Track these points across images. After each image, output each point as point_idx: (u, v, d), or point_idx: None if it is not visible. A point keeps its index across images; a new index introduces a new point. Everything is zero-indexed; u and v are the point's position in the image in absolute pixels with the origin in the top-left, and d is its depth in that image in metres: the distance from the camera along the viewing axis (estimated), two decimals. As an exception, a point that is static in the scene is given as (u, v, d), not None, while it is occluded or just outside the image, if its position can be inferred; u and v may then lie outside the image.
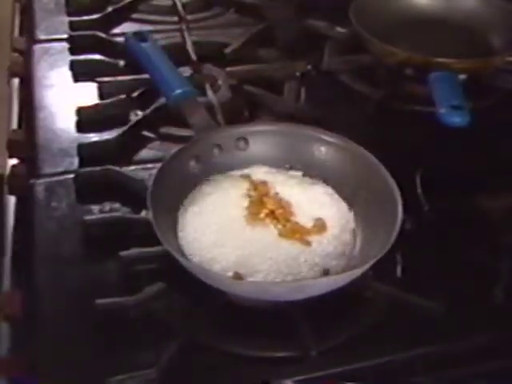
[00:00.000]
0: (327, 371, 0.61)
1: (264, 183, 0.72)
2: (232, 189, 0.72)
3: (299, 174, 0.75)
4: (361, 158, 0.73)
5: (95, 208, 0.74)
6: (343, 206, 0.72)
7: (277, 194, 0.71)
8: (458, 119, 0.76)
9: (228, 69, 0.93)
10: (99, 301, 0.63)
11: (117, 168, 0.77)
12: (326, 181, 0.74)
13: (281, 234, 0.67)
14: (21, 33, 1.09)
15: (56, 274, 0.68)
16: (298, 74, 0.95)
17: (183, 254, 0.66)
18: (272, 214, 0.69)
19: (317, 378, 0.61)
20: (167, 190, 0.68)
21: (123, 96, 0.88)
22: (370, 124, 0.88)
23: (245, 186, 0.72)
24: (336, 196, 0.73)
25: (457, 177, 0.79)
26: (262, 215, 0.68)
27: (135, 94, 0.89)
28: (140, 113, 0.86)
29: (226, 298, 0.64)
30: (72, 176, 0.77)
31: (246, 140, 0.75)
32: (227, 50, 0.98)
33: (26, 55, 0.99)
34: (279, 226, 0.68)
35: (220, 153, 0.74)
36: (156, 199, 0.65)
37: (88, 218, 0.71)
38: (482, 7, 1.00)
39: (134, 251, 0.67)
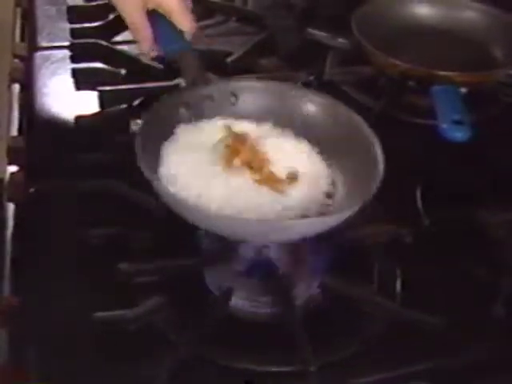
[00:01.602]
0: (327, 386, 0.61)
1: (243, 134, 0.73)
2: (213, 134, 0.73)
3: (280, 129, 0.76)
4: (342, 113, 0.75)
5: (94, 219, 0.73)
6: (319, 160, 0.73)
7: (254, 145, 0.72)
8: (459, 134, 0.76)
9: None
10: (98, 314, 0.63)
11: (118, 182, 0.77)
12: (307, 136, 0.75)
13: (255, 181, 0.68)
14: (22, 38, 1.09)
15: (54, 285, 0.67)
16: (299, 84, 0.95)
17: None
18: (247, 163, 0.70)
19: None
20: (156, 133, 0.70)
21: (124, 105, 0.88)
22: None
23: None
24: (313, 151, 0.74)
25: (457, 190, 0.79)
26: (237, 163, 0.70)
27: (136, 103, 0.89)
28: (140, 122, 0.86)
29: (225, 311, 0.64)
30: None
31: (236, 95, 0.77)
32: (229, 60, 0.98)
33: (27, 62, 0.98)
34: (253, 175, 0.69)
35: (211, 104, 0.76)
36: (144, 138, 0.67)
37: (87, 230, 0.71)
38: (485, 20, 1.00)
39: (134, 264, 0.67)
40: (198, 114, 0.75)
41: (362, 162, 0.71)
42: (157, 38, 0.79)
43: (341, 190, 0.72)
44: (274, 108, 0.77)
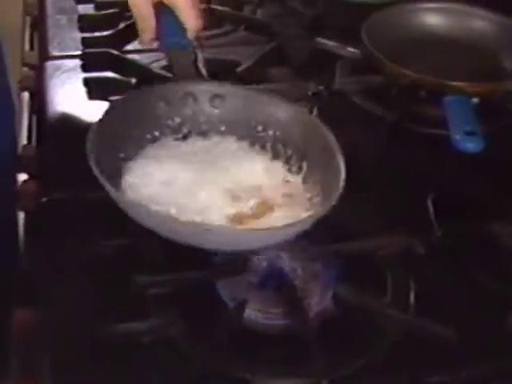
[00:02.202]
0: (340, 399, 0.61)
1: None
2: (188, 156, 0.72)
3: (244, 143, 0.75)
4: (308, 122, 0.75)
5: (107, 230, 0.73)
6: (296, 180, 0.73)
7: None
8: (471, 145, 0.76)
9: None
10: (112, 326, 0.63)
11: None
12: (273, 147, 0.75)
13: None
14: (31, 46, 1.09)
15: (67, 297, 0.67)
16: (309, 93, 0.95)
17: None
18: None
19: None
20: (125, 121, 0.70)
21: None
22: (382, 146, 0.88)
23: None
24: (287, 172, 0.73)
25: (469, 201, 0.79)
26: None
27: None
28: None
29: (239, 322, 0.64)
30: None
31: (222, 98, 0.76)
32: (239, 69, 0.98)
33: (38, 71, 0.99)
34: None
35: (193, 103, 0.75)
36: (107, 130, 0.67)
37: (100, 241, 0.71)
38: (495, 29, 1.00)
39: (147, 275, 0.67)
40: (176, 113, 0.74)
41: (327, 170, 0.70)
42: (159, 31, 0.79)
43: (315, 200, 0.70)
44: (246, 115, 0.76)
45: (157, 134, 0.74)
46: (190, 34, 0.79)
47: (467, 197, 0.79)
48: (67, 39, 1.03)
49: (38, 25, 1.09)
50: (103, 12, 1.09)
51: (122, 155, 0.71)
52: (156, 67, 0.97)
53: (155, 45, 0.83)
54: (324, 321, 0.65)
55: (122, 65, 0.98)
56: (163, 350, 0.62)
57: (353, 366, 0.63)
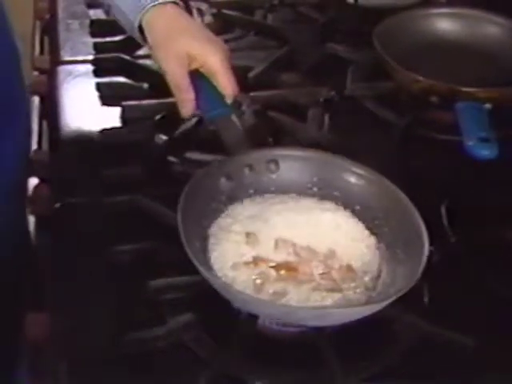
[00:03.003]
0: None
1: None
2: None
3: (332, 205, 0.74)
4: (389, 192, 0.73)
5: (120, 235, 0.73)
6: (371, 241, 0.72)
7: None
8: (486, 152, 0.76)
9: (252, 93, 0.93)
10: (128, 332, 0.63)
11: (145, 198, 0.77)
12: (353, 212, 0.74)
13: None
14: (41, 51, 1.09)
15: (82, 303, 0.67)
16: (321, 99, 0.95)
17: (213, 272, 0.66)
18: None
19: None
20: (198, 207, 0.69)
21: (147, 120, 0.88)
22: (394, 152, 0.88)
23: None
24: (365, 231, 0.72)
25: (483, 207, 0.78)
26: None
27: (158, 117, 0.89)
28: (164, 137, 0.86)
29: (255, 328, 0.64)
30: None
31: (276, 162, 0.75)
32: (251, 75, 0.98)
33: (50, 76, 0.99)
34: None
35: (251, 173, 0.74)
36: (187, 214, 0.65)
37: (113, 246, 0.71)
38: (507, 34, 1.00)
39: (163, 280, 0.67)
40: (240, 185, 0.74)
41: (406, 240, 0.69)
42: (197, 100, 0.78)
43: (383, 272, 0.69)
44: (315, 178, 0.75)
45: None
46: (229, 99, 0.78)
47: (481, 204, 0.79)
48: (79, 44, 1.04)
49: (50, 29, 1.09)
50: (115, 17, 1.09)
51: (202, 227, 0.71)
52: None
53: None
54: (339, 327, 0.65)
55: (133, 70, 0.98)
56: (179, 355, 0.62)
57: (368, 371, 0.63)
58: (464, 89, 0.88)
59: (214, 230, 0.71)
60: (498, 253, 0.74)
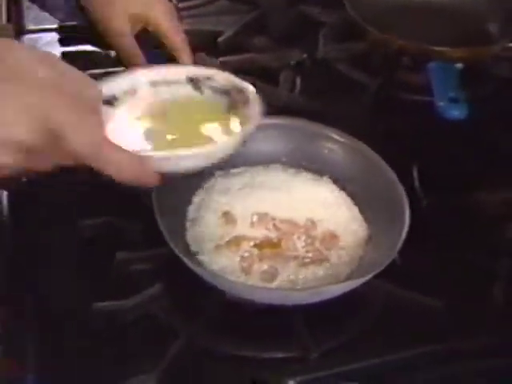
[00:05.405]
0: (328, 371, 0.61)
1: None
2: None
3: (308, 175, 0.73)
4: (366, 157, 0.72)
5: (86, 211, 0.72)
6: (350, 206, 0.71)
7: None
8: (456, 112, 0.75)
9: (221, 58, 0.92)
10: (96, 304, 0.62)
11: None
12: (335, 181, 0.73)
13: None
14: (8, 19, 1.07)
15: (51, 277, 0.66)
16: (292, 62, 0.93)
17: (190, 253, 0.65)
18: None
19: (318, 379, 0.60)
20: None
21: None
22: (367, 114, 0.87)
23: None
24: (348, 199, 0.71)
25: (455, 169, 0.78)
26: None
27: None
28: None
29: (225, 297, 0.63)
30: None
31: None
32: (220, 39, 0.96)
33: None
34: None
35: None
36: (162, 195, 0.64)
37: (81, 220, 0.70)
38: (480, -7, 0.99)
39: (130, 252, 0.66)
40: None
41: (386, 210, 0.67)
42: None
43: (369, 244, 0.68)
44: (294, 147, 0.73)
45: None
46: (178, 50, 0.78)
47: (453, 165, 0.79)
48: (43, 13, 1.01)
49: (14, -2, 1.06)
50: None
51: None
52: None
53: None
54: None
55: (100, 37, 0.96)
56: (148, 327, 0.62)
57: (340, 337, 0.63)
58: (436, 48, 0.87)
59: (189, 207, 0.69)
60: (470, 215, 0.74)
